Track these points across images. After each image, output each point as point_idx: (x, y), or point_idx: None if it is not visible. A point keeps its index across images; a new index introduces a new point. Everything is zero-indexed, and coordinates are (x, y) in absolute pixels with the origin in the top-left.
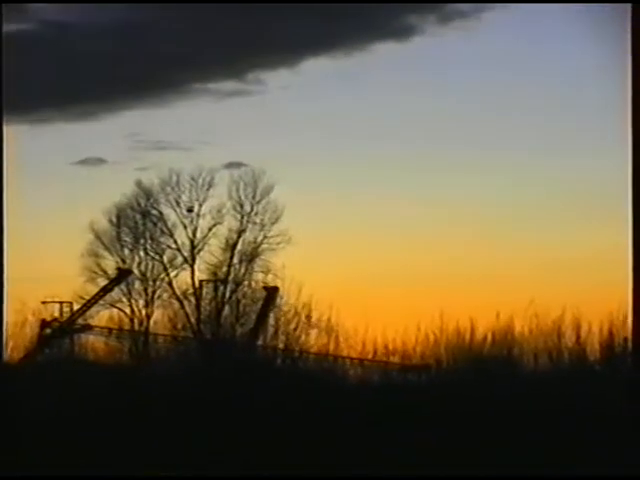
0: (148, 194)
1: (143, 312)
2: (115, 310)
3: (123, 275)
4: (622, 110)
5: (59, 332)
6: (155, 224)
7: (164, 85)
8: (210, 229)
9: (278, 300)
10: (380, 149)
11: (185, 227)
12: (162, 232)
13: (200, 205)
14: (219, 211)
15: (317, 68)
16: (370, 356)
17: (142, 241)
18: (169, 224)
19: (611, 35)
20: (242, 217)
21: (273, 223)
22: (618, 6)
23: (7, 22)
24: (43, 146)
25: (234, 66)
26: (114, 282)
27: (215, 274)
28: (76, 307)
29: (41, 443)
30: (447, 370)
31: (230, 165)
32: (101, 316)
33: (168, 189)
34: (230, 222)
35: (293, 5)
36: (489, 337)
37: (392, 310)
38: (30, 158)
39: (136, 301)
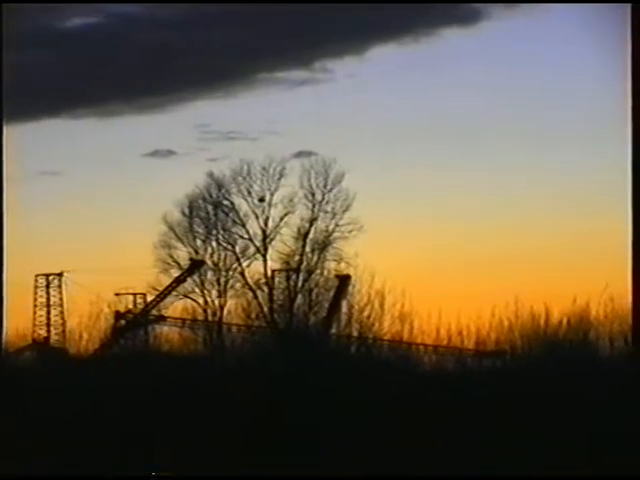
0: (220, 185)
1: (216, 302)
2: (188, 301)
3: (196, 266)
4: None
5: (133, 323)
6: (227, 214)
7: (232, 76)
8: (282, 218)
9: (351, 288)
10: (450, 136)
11: (257, 217)
12: (234, 222)
13: (271, 194)
14: (291, 200)
15: (384, 55)
16: (444, 342)
17: (214, 232)
18: (241, 214)
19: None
20: (314, 206)
21: (345, 211)
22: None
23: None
24: (113, 139)
25: (301, 55)
26: (187, 273)
27: (287, 263)
28: (150, 298)
29: (117, 432)
30: (522, 355)
31: (300, 154)
32: (175, 307)
33: (239, 179)
34: (302, 211)
35: None
36: (564, 322)
37: (466, 296)
38: (100, 151)
39: (209, 292)
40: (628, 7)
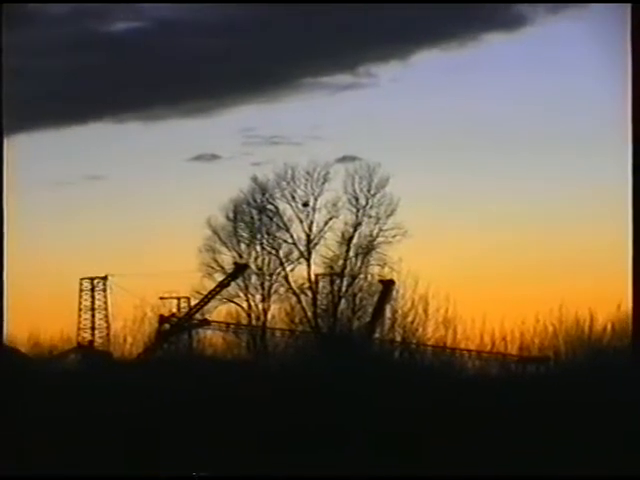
0: (264, 189)
1: (260, 307)
2: (232, 305)
3: (240, 270)
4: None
5: (177, 327)
6: (271, 219)
7: (277, 80)
8: (326, 223)
9: (394, 293)
10: (494, 141)
11: (301, 221)
12: (278, 227)
13: (315, 199)
14: (334, 205)
15: (428, 60)
16: (488, 348)
17: (258, 236)
18: (285, 219)
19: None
20: (358, 210)
21: (389, 216)
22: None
23: (118, 21)
24: (157, 143)
25: (345, 60)
26: (231, 277)
27: (331, 268)
28: (194, 302)
29: (160, 435)
30: (566, 361)
31: (344, 159)
32: (218, 311)
33: (284, 184)
34: (346, 216)
35: None
36: (609, 328)
37: (510, 301)
38: (145, 155)
39: (253, 296)
40: (628, 7)
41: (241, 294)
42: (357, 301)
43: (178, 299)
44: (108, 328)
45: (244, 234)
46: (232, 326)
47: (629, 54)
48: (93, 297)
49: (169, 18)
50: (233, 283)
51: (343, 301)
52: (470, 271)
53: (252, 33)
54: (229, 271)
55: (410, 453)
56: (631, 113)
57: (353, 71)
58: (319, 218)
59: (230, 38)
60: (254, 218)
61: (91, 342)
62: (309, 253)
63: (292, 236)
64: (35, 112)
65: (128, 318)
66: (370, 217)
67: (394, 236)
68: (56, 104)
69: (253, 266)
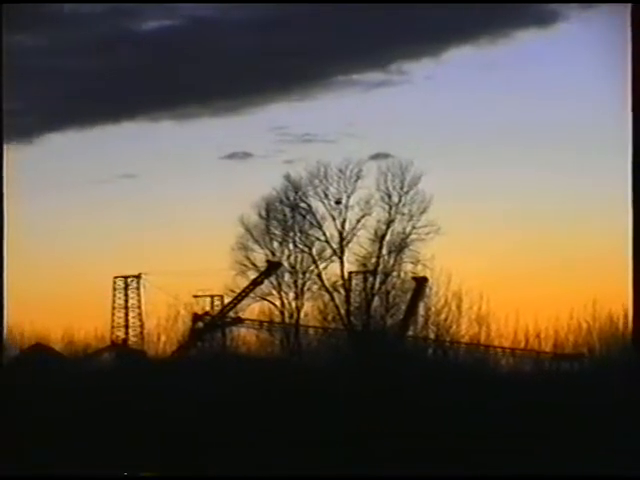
0: (297, 187)
1: (293, 304)
2: (265, 303)
3: (273, 268)
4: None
5: (211, 326)
6: (304, 216)
7: (308, 78)
8: (359, 220)
9: (428, 290)
10: (527, 138)
11: (334, 219)
12: (311, 224)
13: (348, 197)
14: (367, 202)
15: (461, 57)
16: (522, 345)
17: (291, 234)
18: (318, 216)
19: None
20: (390, 208)
21: (421, 213)
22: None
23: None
24: (190, 141)
25: (378, 57)
26: (264, 275)
27: (364, 265)
28: (227, 300)
29: (194, 432)
30: (600, 359)
31: (376, 156)
32: (252, 309)
33: (316, 181)
34: (378, 213)
35: None
36: None
37: (544, 298)
38: (178, 153)
39: (286, 293)
40: (628, 7)
41: (274, 292)
42: (390, 299)
43: (211, 297)
44: (142, 326)
45: (277, 232)
46: (265, 324)
47: (629, 54)
48: (127, 295)
49: (202, 17)
50: (266, 281)
51: (376, 299)
52: (503, 268)
53: (284, 31)
54: (262, 269)
55: (444, 450)
56: (631, 114)
57: (385, 68)
58: (352, 216)
59: (262, 36)
60: (287, 216)
61: (125, 340)
62: (342, 251)
63: (325, 234)
64: (69, 111)
65: (162, 316)
66: (403, 214)
67: (427, 233)
68: (90, 103)
69: (286, 264)
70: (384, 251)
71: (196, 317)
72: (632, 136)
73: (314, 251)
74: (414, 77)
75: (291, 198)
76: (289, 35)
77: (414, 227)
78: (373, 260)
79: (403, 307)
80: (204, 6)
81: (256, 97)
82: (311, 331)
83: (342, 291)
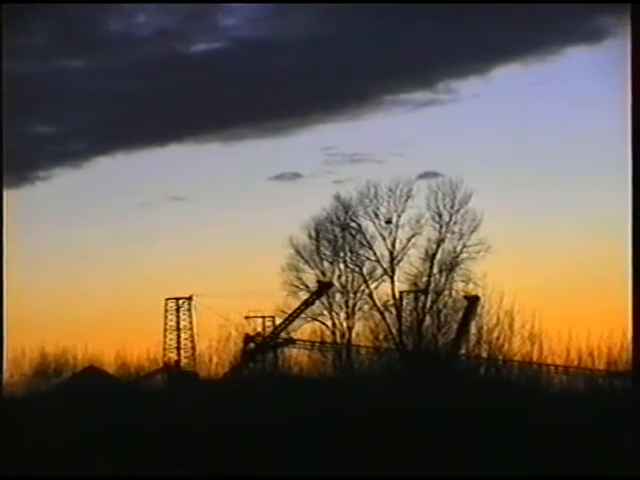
0: (346, 207)
1: (344, 324)
2: (317, 323)
3: (324, 288)
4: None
5: (263, 346)
6: (354, 236)
7: (356, 98)
8: (409, 240)
9: (479, 309)
10: (578, 154)
11: (384, 238)
12: (361, 244)
13: (398, 216)
14: (418, 221)
15: (509, 75)
16: (575, 363)
17: (342, 254)
18: (368, 236)
19: None
20: (441, 227)
21: (472, 232)
22: None
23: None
24: (238, 163)
25: (425, 76)
26: (315, 295)
27: (415, 284)
28: (278, 321)
29: (248, 453)
30: None
31: (425, 175)
32: (303, 329)
33: (366, 201)
34: (429, 232)
35: (482, 11)
36: None
37: (596, 315)
38: (226, 175)
39: (337, 314)
40: (628, 7)
41: (325, 312)
42: (442, 317)
43: (263, 318)
44: (194, 348)
45: (327, 252)
46: (317, 344)
47: (629, 54)
48: (178, 317)
49: (248, 38)
50: (317, 301)
51: (428, 318)
52: (555, 286)
53: (331, 51)
54: (313, 289)
55: (497, 469)
56: (631, 116)
57: (433, 87)
58: (402, 235)
59: (309, 57)
60: (337, 236)
61: (177, 362)
62: (393, 270)
63: (375, 253)
64: (117, 135)
65: (213, 338)
66: (453, 233)
67: (478, 252)
68: (138, 126)
69: (337, 284)
70: (435, 270)
71: (248, 338)
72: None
73: (365, 271)
74: (462, 95)
75: (341, 218)
76: (336, 55)
77: (465, 246)
78: (424, 279)
79: (455, 326)
80: (252, 28)
81: (304, 117)
82: (363, 351)
83: (393, 310)
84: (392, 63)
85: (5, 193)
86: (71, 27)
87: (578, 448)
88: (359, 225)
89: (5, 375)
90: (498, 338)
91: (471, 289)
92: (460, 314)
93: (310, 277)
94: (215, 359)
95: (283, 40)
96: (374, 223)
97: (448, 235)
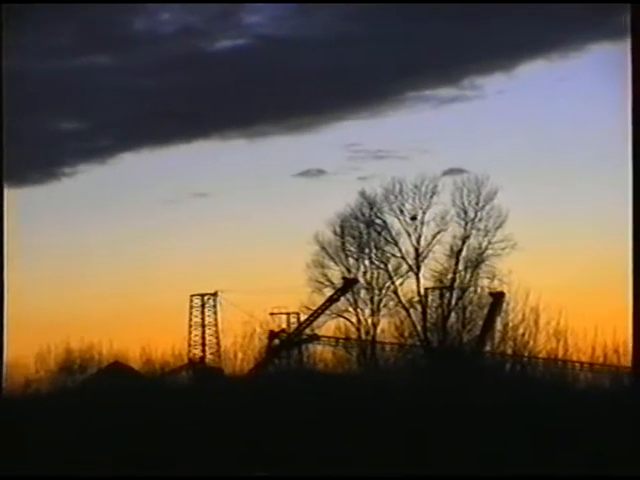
0: (371, 203)
1: (369, 321)
2: (342, 320)
3: (349, 284)
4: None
5: (287, 343)
6: (379, 233)
7: (380, 94)
8: (434, 236)
9: (505, 306)
10: (604, 150)
11: (409, 235)
12: (386, 241)
13: (424, 212)
14: (443, 218)
15: (534, 71)
16: (600, 360)
17: (367, 250)
18: (393, 232)
19: None
20: (466, 223)
21: (497, 228)
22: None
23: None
24: (263, 159)
25: (450, 73)
26: (340, 292)
27: (440, 281)
28: (303, 317)
29: (273, 449)
30: None
31: (450, 172)
32: (328, 326)
33: (391, 198)
34: (454, 229)
35: (506, 8)
36: None
37: (622, 312)
38: (250, 171)
39: (362, 310)
40: (628, 7)
41: (350, 309)
42: (467, 314)
43: (288, 315)
44: (218, 344)
45: (352, 249)
46: (342, 341)
47: (629, 55)
48: (203, 313)
49: (273, 35)
50: (342, 298)
51: (453, 314)
52: (581, 282)
53: (355, 48)
54: (338, 286)
55: (522, 466)
56: (631, 116)
57: (458, 84)
58: (427, 231)
59: (333, 53)
60: (362, 232)
61: (202, 358)
62: (418, 267)
63: (400, 250)
64: (142, 131)
65: (238, 334)
66: (479, 230)
67: (503, 248)
68: (163, 123)
69: (362, 280)
70: (460, 267)
71: (272, 334)
72: None
73: (390, 267)
74: (486, 92)
75: (366, 214)
76: (360, 52)
77: (490, 242)
78: (449, 276)
79: (480, 323)
80: (276, 25)
81: (328, 114)
82: (387, 348)
83: (418, 307)
84: (416, 60)
85: (6, 192)
86: (97, 25)
87: (602, 445)
88: (384, 221)
89: (5, 375)
90: (523, 335)
91: (496, 286)
92: (485, 311)
93: (335, 273)
94: (240, 355)
95: (307, 37)
96: (399, 219)
97: (473, 232)
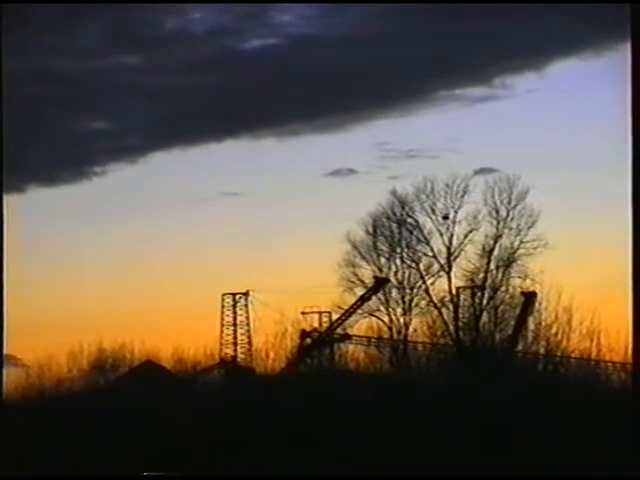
0: (403, 203)
1: (401, 320)
2: (373, 319)
3: (380, 284)
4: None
5: (319, 342)
6: (411, 232)
7: (411, 93)
8: (466, 236)
9: (537, 305)
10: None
11: (441, 234)
12: (418, 240)
13: (455, 212)
14: (475, 217)
15: (565, 70)
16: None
17: (398, 249)
18: (425, 232)
19: None
20: (498, 223)
21: (529, 227)
22: None
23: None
24: (293, 158)
25: (480, 72)
26: (372, 291)
27: (472, 280)
28: (335, 317)
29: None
30: None
31: (481, 171)
32: (360, 325)
33: (423, 197)
34: (486, 228)
35: (538, 6)
36: None
37: None
38: (281, 171)
39: (394, 309)
40: (628, 7)
41: (382, 308)
42: (499, 314)
43: (319, 314)
44: (250, 343)
45: (384, 248)
46: (373, 340)
47: (629, 55)
48: (235, 313)
49: (303, 34)
50: (374, 297)
51: (485, 314)
52: (614, 282)
53: (386, 47)
54: (369, 285)
55: (553, 466)
56: (631, 117)
57: (489, 83)
58: (459, 231)
59: (364, 53)
60: (394, 232)
61: (234, 357)
62: (449, 266)
63: (432, 249)
64: (173, 130)
65: (270, 333)
66: (511, 229)
67: (535, 248)
68: (193, 122)
69: (393, 280)
70: (492, 266)
71: (304, 334)
72: None
73: (421, 266)
74: (517, 91)
75: (398, 214)
76: (391, 51)
77: (522, 241)
78: (481, 275)
79: (512, 322)
80: (307, 24)
81: (359, 113)
82: (420, 347)
83: (450, 306)
84: (447, 59)
85: (5, 195)
86: (128, 25)
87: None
88: (416, 221)
89: (4, 375)
90: (556, 335)
91: (528, 285)
92: (517, 310)
93: (367, 273)
94: (271, 354)
95: (338, 36)
96: (431, 219)
97: (505, 231)
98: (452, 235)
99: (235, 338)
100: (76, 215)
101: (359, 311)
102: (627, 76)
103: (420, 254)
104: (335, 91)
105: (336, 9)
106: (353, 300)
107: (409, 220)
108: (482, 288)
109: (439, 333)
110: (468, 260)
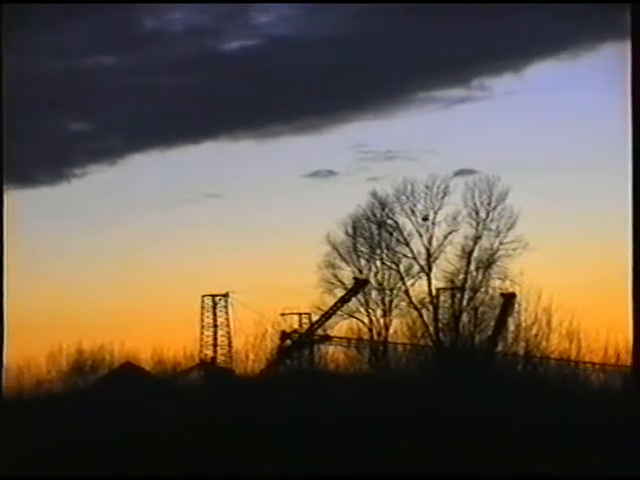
0: (383, 204)
1: (381, 322)
2: (353, 320)
3: (360, 285)
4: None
5: (299, 343)
6: (391, 233)
7: (389, 95)
8: (446, 237)
9: (516, 306)
10: (613, 151)
11: (421, 236)
12: (398, 241)
13: (435, 213)
14: (454, 219)
15: (543, 72)
16: (613, 361)
17: (378, 251)
18: (405, 233)
19: None
20: (478, 224)
21: (509, 229)
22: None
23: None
24: (273, 160)
25: (459, 73)
26: (351, 292)
27: (452, 282)
28: (315, 318)
29: (283, 450)
30: None
31: (461, 172)
32: (340, 326)
33: (403, 198)
34: (466, 229)
35: (515, 8)
36: None
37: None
38: (260, 172)
39: (374, 311)
40: (628, 7)
41: (362, 309)
42: (479, 315)
43: (299, 315)
44: (230, 345)
45: (364, 249)
46: (353, 341)
47: (629, 56)
48: (215, 314)
49: (282, 35)
50: (354, 298)
51: (464, 315)
52: (593, 283)
53: (364, 48)
54: (349, 286)
55: (534, 466)
56: (631, 118)
57: (467, 84)
58: (439, 232)
59: (342, 54)
60: (374, 233)
61: (213, 359)
62: (429, 267)
63: (412, 250)
64: (152, 132)
65: (250, 334)
66: (490, 230)
67: (515, 249)
68: (172, 123)
69: (373, 281)
70: (472, 267)
71: (284, 335)
72: None
73: (401, 268)
74: (496, 92)
75: (378, 215)
76: (369, 52)
77: (502, 243)
78: (461, 276)
79: (492, 323)
80: (285, 25)
81: (337, 115)
82: (399, 348)
83: (430, 308)
84: (425, 60)
85: (6, 192)
86: (106, 25)
87: (615, 446)
88: (396, 222)
89: (4, 375)
90: (536, 336)
91: (508, 286)
92: (497, 311)
93: (346, 274)
94: (251, 356)
95: (316, 38)
96: (411, 220)
97: (485, 232)
98: (432, 236)
99: (215, 339)
100: (55, 217)
101: (339, 312)
102: (627, 77)
103: (400, 255)
104: (314, 92)
105: (315, 10)
106: (333, 301)
107: (389, 221)
108: (462, 289)
109: (419, 334)
110: (448, 261)
